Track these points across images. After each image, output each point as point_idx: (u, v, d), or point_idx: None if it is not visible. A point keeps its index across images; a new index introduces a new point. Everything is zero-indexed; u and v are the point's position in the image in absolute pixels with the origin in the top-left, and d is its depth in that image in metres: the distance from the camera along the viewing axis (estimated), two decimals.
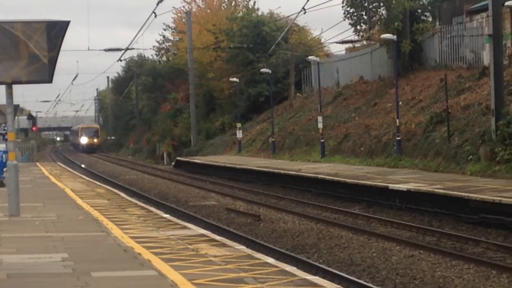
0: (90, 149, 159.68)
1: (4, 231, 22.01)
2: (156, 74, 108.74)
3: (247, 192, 47.16)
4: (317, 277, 15.87)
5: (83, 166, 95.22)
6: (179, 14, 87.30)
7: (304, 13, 59.66)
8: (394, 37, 51.38)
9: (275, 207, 39.26)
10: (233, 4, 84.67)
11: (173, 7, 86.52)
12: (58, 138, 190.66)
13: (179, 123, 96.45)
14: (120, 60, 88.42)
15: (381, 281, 20.65)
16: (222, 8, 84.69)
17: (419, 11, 61.32)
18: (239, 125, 74.98)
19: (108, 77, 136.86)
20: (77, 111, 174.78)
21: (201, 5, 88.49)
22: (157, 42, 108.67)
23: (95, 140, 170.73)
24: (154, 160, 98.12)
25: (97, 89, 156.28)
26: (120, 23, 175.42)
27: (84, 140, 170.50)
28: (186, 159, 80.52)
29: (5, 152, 30.16)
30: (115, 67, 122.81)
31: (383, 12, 58.70)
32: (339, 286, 15.27)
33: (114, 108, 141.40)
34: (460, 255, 23.76)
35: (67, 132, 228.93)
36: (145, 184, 52.28)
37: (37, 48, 22.29)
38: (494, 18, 37.94)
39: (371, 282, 20.10)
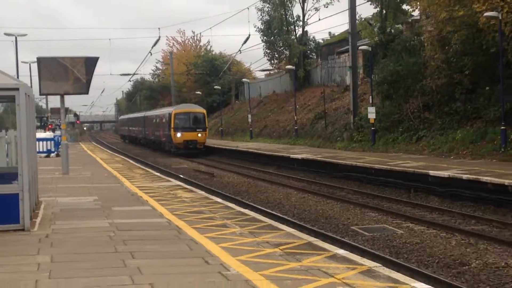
0: (190, 151, 55.76)
1: (59, 183, 23.67)
2: (151, 89, 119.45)
3: (206, 160, 47.17)
4: (247, 210, 17.49)
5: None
6: (166, 53, 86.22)
7: (240, 53, 63.71)
8: (293, 67, 56.26)
9: (222, 168, 40.31)
10: (198, 47, 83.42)
11: (162, 49, 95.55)
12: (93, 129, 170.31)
13: None
14: (129, 80, 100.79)
15: (285, 212, 21.75)
16: (192, 49, 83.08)
17: (308, 52, 64.28)
18: None
19: (122, 91, 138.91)
20: (103, 111, 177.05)
21: (178, 48, 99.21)
22: (152, 70, 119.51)
23: (200, 135, 58.21)
24: (122, 140, 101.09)
25: (116, 98, 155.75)
26: (129, 59, 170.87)
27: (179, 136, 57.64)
28: None
29: (59, 136, 30.51)
30: (127, 85, 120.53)
31: (287, 53, 55.67)
32: (258, 214, 16.94)
33: (127, 111, 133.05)
34: (332, 197, 25.03)
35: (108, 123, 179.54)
36: (145, 157, 51.82)
37: (79, 73, 23.42)
38: (352, 56, 43.26)
39: (279, 212, 21.27)
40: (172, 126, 52.63)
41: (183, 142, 51.47)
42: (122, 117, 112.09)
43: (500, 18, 27.86)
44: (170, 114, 54.04)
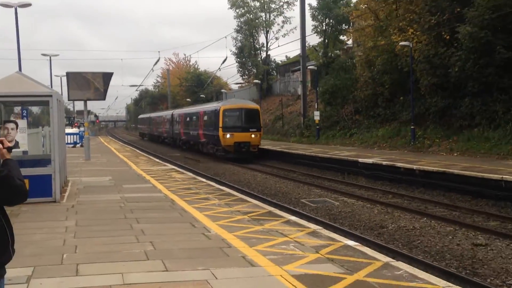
0: (241, 155, 32.24)
1: (83, 167, 23.40)
2: (153, 96, 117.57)
3: (193, 151, 44.03)
4: (224, 187, 17.55)
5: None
6: (164, 70, 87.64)
7: (219, 70, 67.17)
8: (259, 81, 55.78)
9: (205, 156, 37.06)
10: (188, 66, 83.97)
11: (161, 67, 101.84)
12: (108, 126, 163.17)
13: None
14: (136, 90, 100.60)
15: (252, 188, 21.41)
16: (183, 67, 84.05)
17: (270, 70, 64.80)
18: None
19: (131, 98, 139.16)
20: (117, 113, 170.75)
21: (173, 66, 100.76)
22: (153, 82, 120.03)
23: (254, 136, 32.77)
24: (141, 137, 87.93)
25: (126, 103, 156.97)
26: (136, 74, 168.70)
27: (228, 137, 32.50)
28: None
29: (83, 131, 29.98)
30: (134, 93, 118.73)
31: (254, 71, 56.71)
32: (232, 190, 16.73)
33: (135, 113, 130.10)
34: (287, 177, 24.73)
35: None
36: (148, 147, 50.73)
37: (98, 84, 23.29)
38: (303, 73, 42.52)
39: (248, 189, 20.92)
40: (220, 125, 31.96)
41: (234, 145, 31.35)
42: (141, 116, 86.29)
43: (411, 46, 28.14)
44: (217, 111, 32.81)
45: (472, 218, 14.26)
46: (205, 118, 36.18)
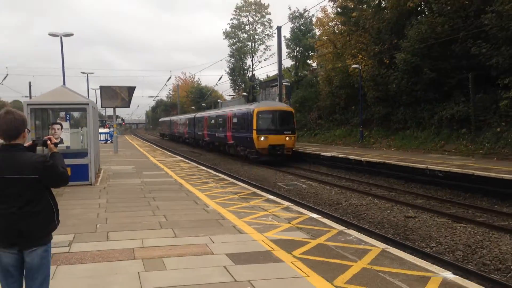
0: (276, 158, 23.18)
1: (112, 158, 22.96)
2: (166, 105, 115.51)
3: (198, 146, 43.05)
4: (220, 173, 17.49)
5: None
6: (174, 85, 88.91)
7: (217, 85, 67.45)
8: (246, 94, 56.26)
9: (207, 151, 36.01)
10: (192, 82, 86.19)
11: (172, 83, 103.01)
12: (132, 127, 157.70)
13: None
14: (153, 100, 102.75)
15: (240, 175, 20.43)
16: (189, 83, 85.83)
17: (255, 85, 63.51)
18: None
19: (149, 106, 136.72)
20: (138, 117, 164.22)
21: (182, 82, 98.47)
22: (166, 94, 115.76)
23: (288, 139, 23.30)
24: (161, 137, 78.71)
25: (145, 110, 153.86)
26: (152, 87, 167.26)
27: (263, 140, 23.09)
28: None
29: (113, 131, 29.54)
30: (152, 102, 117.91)
31: (243, 86, 56.35)
32: (226, 176, 16.75)
33: (152, 118, 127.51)
34: (266, 166, 23.90)
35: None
36: (163, 143, 50.07)
37: (124, 95, 22.86)
38: (279, 88, 38.98)
39: (237, 175, 19.97)
40: (254, 127, 23.95)
41: (268, 147, 23.44)
42: (162, 119, 78.36)
43: (360, 68, 28.23)
44: (250, 113, 24.78)
45: (404, 197, 14.24)
46: (235, 120, 27.44)
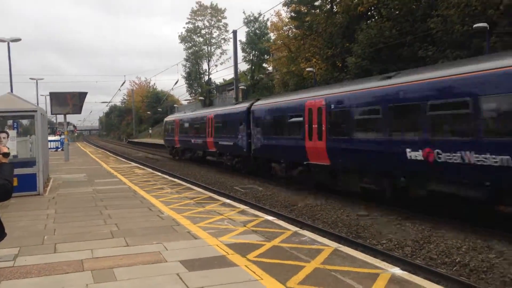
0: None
1: (62, 166, 22.38)
2: (120, 110, 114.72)
3: (155, 150, 42.18)
4: (175, 179, 17.70)
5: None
6: (129, 90, 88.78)
7: (172, 90, 61.44)
8: (203, 98, 55.07)
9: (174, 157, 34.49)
10: (148, 86, 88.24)
11: (126, 87, 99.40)
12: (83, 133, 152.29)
13: (129, 127, 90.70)
14: (107, 105, 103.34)
15: (197, 179, 19.85)
16: (144, 87, 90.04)
17: (211, 89, 64.40)
18: (150, 129, 76.06)
19: (103, 112, 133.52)
20: (91, 124, 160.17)
21: (137, 87, 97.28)
22: (120, 99, 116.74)
23: None
24: (119, 141, 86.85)
25: (99, 116, 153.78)
26: (105, 93, 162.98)
27: None
28: (131, 140, 72.31)
29: (63, 138, 28.62)
30: (105, 108, 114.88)
31: (199, 90, 57.00)
32: (182, 181, 17.01)
33: (106, 123, 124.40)
34: (223, 171, 23.34)
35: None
36: (118, 149, 48.90)
37: (75, 101, 22.24)
38: (236, 92, 38.97)
39: (194, 179, 19.47)
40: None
41: None
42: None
43: (314, 71, 28.78)
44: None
45: (357, 196, 14.30)
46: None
